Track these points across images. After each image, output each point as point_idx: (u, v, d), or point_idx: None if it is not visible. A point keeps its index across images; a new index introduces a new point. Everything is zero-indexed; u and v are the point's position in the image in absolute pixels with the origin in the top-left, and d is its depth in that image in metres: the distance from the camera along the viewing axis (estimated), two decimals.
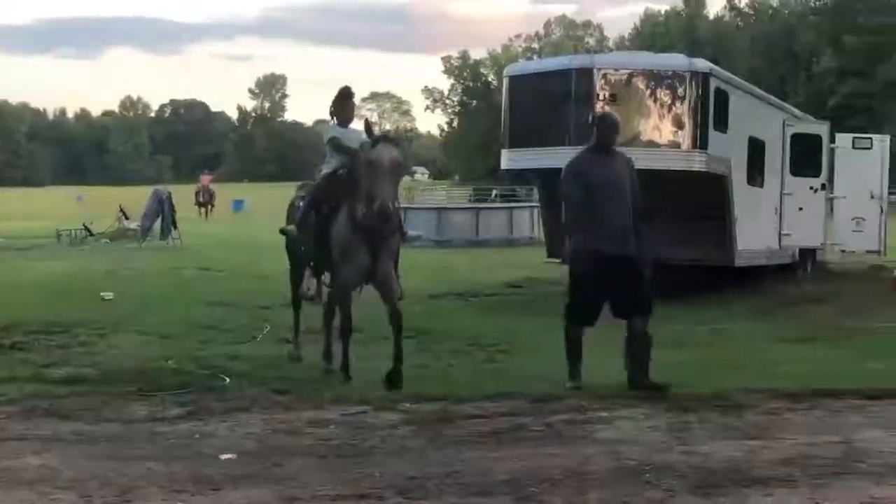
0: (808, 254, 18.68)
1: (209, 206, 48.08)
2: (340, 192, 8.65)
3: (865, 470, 5.82)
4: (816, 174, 18.24)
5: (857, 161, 20.12)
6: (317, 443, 6.46)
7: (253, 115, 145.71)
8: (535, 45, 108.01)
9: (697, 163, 14.45)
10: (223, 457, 6.07)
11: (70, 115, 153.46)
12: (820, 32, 75.61)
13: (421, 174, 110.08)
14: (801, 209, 17.79)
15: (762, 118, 17.24)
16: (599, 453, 6.16)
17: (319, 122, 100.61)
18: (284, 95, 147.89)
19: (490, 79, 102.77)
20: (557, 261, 13.81)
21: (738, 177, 15.60)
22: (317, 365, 9.17)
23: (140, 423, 7.00)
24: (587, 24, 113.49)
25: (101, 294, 14.54)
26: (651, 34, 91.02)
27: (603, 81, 14.40)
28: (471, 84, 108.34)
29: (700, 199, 14.49)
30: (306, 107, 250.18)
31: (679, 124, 14.42)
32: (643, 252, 8.15)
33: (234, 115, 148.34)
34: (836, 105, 65.39)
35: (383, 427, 6.85)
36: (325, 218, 8.77)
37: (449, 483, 5.53)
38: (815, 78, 74.21)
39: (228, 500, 5.27)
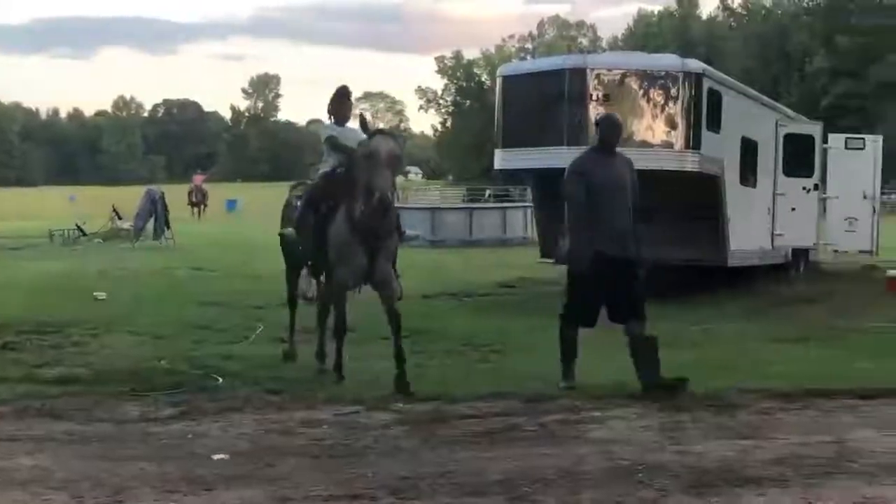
0: (800, 254, 18.68)
1: (202, 206, 47.90)
2: (338, 192, 8.62)
3: (857, 470, 5.84)
4: (809, 174, 18.27)
5: (849, 161, 20.17)
6: (309, 443, 6.47)
7: (246, 114, 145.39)
8: (529, 46, 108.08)
9: (690, 163, 14.46)
10: (216, 457, 6.06)
11: (63, 114, 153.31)
12: (813, 33, 75.83)
13: (414, 174, 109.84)
14: (793, 209, 17.83)
15: (755, 118, 17.25)
16: (592, 453, 6.17)
17: (312, 121, 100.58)
18: (278, 95, 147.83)
19: (483, 79, 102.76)
20: (551, 261, 13.80)
21: (731, 177, 15.59)
22: (310, 365, 9.15)
23: (132, 423, 7.00)
24: (580, 25, 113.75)
25: (94, 294, 14.52)
26: (644, 34, 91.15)
27: (596, 82, 14.39)
28: (464, 84, 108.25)
29: (693, 200, 14.49)
30: (300, 107, 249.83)
31: (672, 124, 14.43)
32: (641, 253, 8.18)
33: (227, 114, 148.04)
34: (829, 105, 65.71)
35: (376, 427, 6.85)
36: (322, 218, 8.75)
37: (442, 483, 5.53)
38: (808, 78, 74.44)
39: (221, 501, 5.27)
